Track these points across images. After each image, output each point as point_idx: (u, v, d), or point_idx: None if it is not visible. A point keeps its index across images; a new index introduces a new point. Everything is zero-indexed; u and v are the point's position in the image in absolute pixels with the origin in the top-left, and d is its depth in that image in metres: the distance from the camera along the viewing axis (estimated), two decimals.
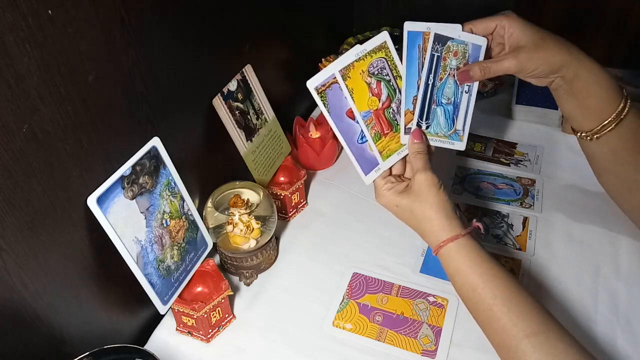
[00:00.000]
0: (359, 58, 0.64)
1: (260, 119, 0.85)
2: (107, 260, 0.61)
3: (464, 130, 0.69)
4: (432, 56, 0.65)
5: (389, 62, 0.66)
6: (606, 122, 0.65)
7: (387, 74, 0.66)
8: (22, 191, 0.49)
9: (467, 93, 0.67)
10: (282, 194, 0.85)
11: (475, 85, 0.66)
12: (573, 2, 1.11)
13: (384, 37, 0.65)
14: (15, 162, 0.47)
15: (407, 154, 0.69)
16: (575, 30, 1.14)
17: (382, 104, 0.67)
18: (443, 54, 0.65)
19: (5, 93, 0.45)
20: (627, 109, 0.64)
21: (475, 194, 0.91)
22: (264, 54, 0.89)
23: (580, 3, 1.11)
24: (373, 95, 0.66)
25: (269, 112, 0.87)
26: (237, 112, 0.80)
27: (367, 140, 0.67)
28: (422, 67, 0.66)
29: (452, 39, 0.64)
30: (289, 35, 0.99)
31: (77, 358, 0.55)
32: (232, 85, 0.79)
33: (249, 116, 0.82)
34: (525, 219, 0.86)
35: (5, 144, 0.46)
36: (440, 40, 0.65)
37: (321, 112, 1.03)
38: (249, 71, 0.83)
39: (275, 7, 0.90)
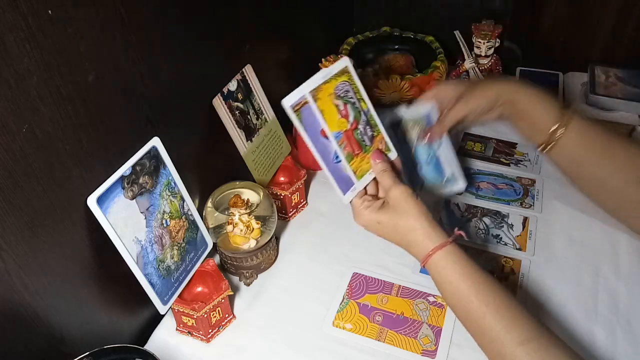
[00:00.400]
0: (326, 81, 0.64)
1: (260, 119, 0.85)
2: (107, 260, 0.61)
3: (454, 173, 0.79)
4: (398, 139, 0.75)
5: (352, 85, 0.67)
6: (552, 130, 0.71)
7: (352, 97, 0.67)
8: (22, 191, 0.49)
9: (440, 146, 0.77)
10: (282, 194, 0.85)
11: (445, 138, 0.77)
12: (573, 1, 1.11)
13: (345, 62, 0.67)
14: (15, 162, 0.47)
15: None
16: (575, 30, 1.14)
17: (350, 125, 0.67)
18: (403, 131, 0.76)
19: (5, 93, 0.45)
20: (567, 115, 0.70)
21: (475, 194, 0.91)
22: (264, 54, 0.89)
23: (580, 3, 1.11)
24: (342, 116, 0.66)
25: (269, 112, 0.87)
26: (237, 112, 0.80)
27: (341, 160, 0.67)
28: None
29: (402, 119, 0.76)
30: (289, 35, 0.99)
31: (77, 358, 0.55)
32: (232, 85, 0.79)
33: (249, 116, 0.83)
34: (525, 219, 0.86)
35: (5, 144, 0.46)
36: (393, 125, 0.76)
37: None
38: (249, 71, 0.83)
39: (275, 7, 0.91)
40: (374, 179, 0.69)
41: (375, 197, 0.70)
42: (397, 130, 0.76)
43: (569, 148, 0.71)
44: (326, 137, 0.65)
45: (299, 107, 0.62)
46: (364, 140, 0.68)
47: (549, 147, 0.72)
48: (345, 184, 0.67)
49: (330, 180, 0.66)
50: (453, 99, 0.75)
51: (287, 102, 0.62)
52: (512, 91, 0.73)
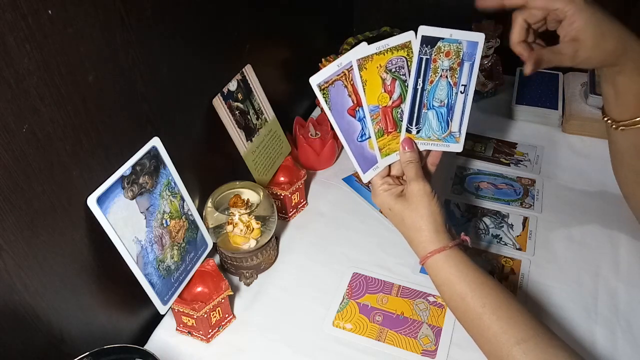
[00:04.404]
0: (380, 52, 0.63)
1: (260, 119, 0.85)
2: (107, 260, 0.61)
3: (460, 131, 0.68)
4: (419, 59, 0.64)
5: (408, 62, 0.65)
6: (637, 119, 0.64)
7: (404, 74, 0.65)
8: (22, 191, 0.49)
9: (462, 94, 0.66)
10: (282, 194, 0.85)
11: (472, 85, 0.66)
12: None
13: (409, 36, 0.64)
14: (15, 162, 0.47)
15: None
16: None
17: (392, 102, 0.66)
18: (433, 55, 0.64)
19: (5, 93, 0.45)
20: None
21: (475, 194, 0.91)
22: (264, 54, 0.89)
23: None
24: (385, 91, 0.65)
25: (269, 112, 0.87)
26: (237, 112, 0.80)
27: (367, 138, 0.67)
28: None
29: (443, 39, 0.63)
30: (289, 35, 0.99)
31: (77, 358, 0.55)
32: (232, 85, 0.79)
33: (249, 116, 0.82)
34: (525, 219, 0.86)
35: (5, 144, 0.46)
36: (429, 42, 0.63)
37: (321, 112, 1.03)
38: (249, 71, 0.83)
39: (275, 8, 0.91)
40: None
41: (399, 179, 0.69)
42: (427, 51, 0.64)
43: (637, 138, 0.65)
44: (354, 115, 0.65)
45: (328, 85, 0.63)
46: (402, 120, 0.67)
47: (616, 126, 0.66)
48: (367, 163, 0.67)
49: (351, 159, 0.67)
50: (566, 32, 0.61)
51: (315, 80, 0.62)
52: (625, 63, 0.61)
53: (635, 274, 0.76)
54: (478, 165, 0.98)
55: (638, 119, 0.64)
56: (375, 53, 0.63)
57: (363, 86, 0.64)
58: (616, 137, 0.68)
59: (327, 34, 1.17)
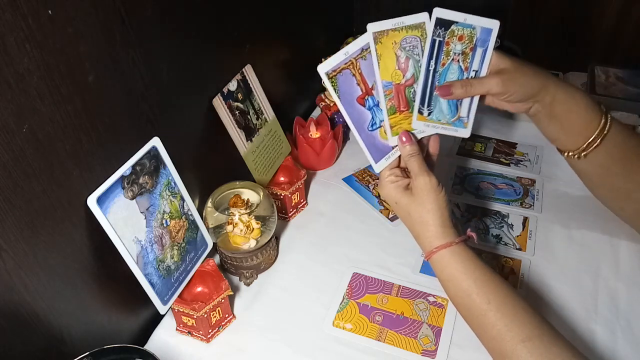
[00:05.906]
0: (395, 28, 0.63)
1: (260, 119, 0.85)
2: (107, 260, 0.61)
3: (468, 117, 0.68)
4: (433, 41, 0.64)
5: (422, 42, 0.65)
6: (591, 139, 0.66)
7: (417, 54, 0.65)
8: (22, 191, 0.49)
9: (475, 75, 0.66)
10: (282, 194, 0.85)
11: (484, 72, 0.65)
12: (573, 1, 1.11)
13: (423, 17, 0.64)
14: (15, 162, 0.47)
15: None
16: (575, 30, 1.14)
17: (406, 81, 0.66)
18: (446, 38, 0.64)
19: (5, 93, 0.45)
20: (608, 123, 0.65)
21: (475, 194, 0.91)
22: (264, 54, 0.89)
23: (580, 3, 1.11)
24: (399, 68, 0.65)
25: (269, 112, 0.87)
26: (237, 112, 0.80)
27: (378, 127, 0.66)
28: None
29: (457, 22, 0.63)
30: (289, 35, 0.99)
31: (77, 358, 0.55)
32: (232, 85, 0.79)
33: (249, 116, 0.83)
34: (525, 219, 0.86)
35: (5, 144, 0.46)
36: (443, 24, 0.63)
37: (321, 112, 1.03)
38: (249, 71, 0.83)
39: (275, 7, 0.91)
40: None
41: (407, 172, 0.68)
42: (440, 33, 0.64)
43: (599, 158, 0.67)
44: (363, 104, 0.65)
45: (336, 74, 0.63)
46: (414, 100, 0.67)
47: (578, 155, 0.68)
48: (379, 152, 0.67)
49: (362, 148, 0.67)
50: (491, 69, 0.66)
51: (323, 68, 0.62)
52: (556, 89, 0.65)
53: (635, 274, 0.76)
54: (478, 165, 0.98)
55: (591, 138, 0.66)
56: (391, 29, 0.63)
57: (377, 60, 0.64)
58: (583, 166, 0.70)
59: (327, 34, 1.17)
